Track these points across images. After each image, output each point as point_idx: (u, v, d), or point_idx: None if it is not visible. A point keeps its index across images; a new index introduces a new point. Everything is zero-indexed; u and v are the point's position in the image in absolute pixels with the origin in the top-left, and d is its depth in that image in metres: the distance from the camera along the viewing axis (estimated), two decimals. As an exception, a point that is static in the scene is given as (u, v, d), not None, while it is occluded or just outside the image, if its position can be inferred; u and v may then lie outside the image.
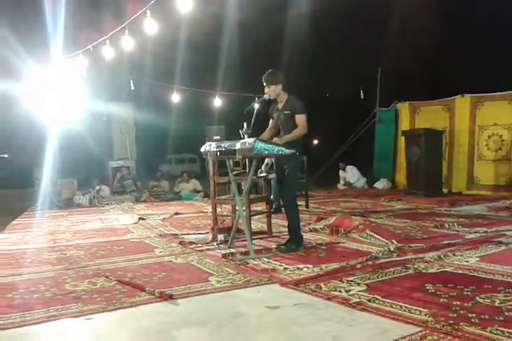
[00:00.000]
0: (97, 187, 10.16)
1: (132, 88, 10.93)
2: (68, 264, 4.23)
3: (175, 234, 5.67)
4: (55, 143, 9.75)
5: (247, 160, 5.51)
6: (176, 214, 7.70)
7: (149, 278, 3.66)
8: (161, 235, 5.67)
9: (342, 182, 12.13)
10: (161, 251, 4.71)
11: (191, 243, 5.00)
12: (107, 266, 4.13)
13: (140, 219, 7.17)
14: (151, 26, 7.05)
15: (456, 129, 10.58)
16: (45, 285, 3.52)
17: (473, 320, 2.53)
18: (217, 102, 12.64)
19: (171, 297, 3.11)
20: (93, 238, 5.67)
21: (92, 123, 11.38)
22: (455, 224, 5.71)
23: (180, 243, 5.03)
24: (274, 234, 5.43)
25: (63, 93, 9.72)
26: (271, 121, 4.87)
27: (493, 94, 10.02)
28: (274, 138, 4.56)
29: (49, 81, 9.42)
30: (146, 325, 2.70)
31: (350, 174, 12.01)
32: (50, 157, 9.57)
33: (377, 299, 2.94)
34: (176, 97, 12.01)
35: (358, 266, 3.76)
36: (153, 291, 3.20)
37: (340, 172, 12.22)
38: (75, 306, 3.01)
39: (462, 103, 10.50)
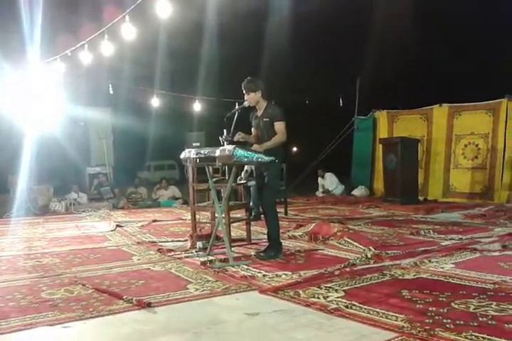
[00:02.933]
0: (74, 195, 10.02)
1: (111, 92, 10.84)
2: (44, 272, 4.16)
3: (153, 242, 5.62)
4: (31, 148, 9.59)
5: (226, 167, 5.51)
6: (154, 221, 7.64)
7: (127, 286, 3.63)
8: (139, 242, 5.61)
9: (321, 189, 12.21)
10: (139, 259, 4.67)
11: (170, 250, 4.96)
12: (83, 273, 4.07)
13: (117, 226, 7.08)
14: (129, 31, 7.02)
15: (434, 138, 10.79)
16: (21, 293, 3.46)
17: (448, 325, 2.58)
18: (197, 107, 12.61)
19: (149, 305, 3.08)
20: (69, 245, 5.58)
21: (69, 128, 11.24)
22: (431, 231, 5.81)
23: (159, 250, 4.99)
24: (253, 241, 5.43)
25: (40, 98, 9.59)
26: (253, 129, 4.87)
27: (471, 104, 10.25)
28: (254, 145, 4.57)
29: (26, 86, 9.28)
30: (124, 333, 2.68)
31: (329, 181, 12.10)
32: (26, 163, 9.41)
33: (355, 305, 2.97)
34: (155, 102, 11.93)
35: (336, 272, 3.80)
36: (131, 299, 3.17)
37: (319, 179, 12.31)
38: (51, 314, 2.96)
39: (440, 112, 10.72)
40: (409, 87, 16.00)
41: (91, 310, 3.03)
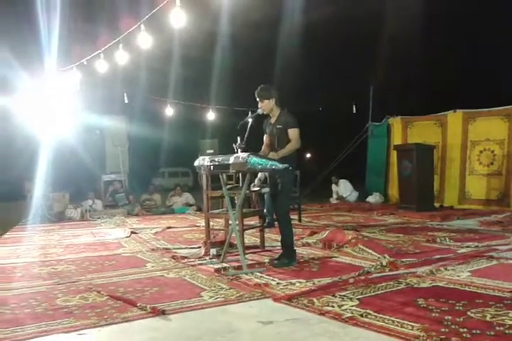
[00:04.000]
0: (90, 202, 10.12)
1: (126, 101, 10.96)
2: (59, 279, 4.19)
3: (167, 249, 5.64)
4: (48, 156, 9.73)
5: (240, 174, 5.53)
6: (169, 228, 7.68)
7: (141, 293, 3.64)
8: (153, 249, 5.64)
9: (335, 196, 12.17)
10: (153, 266, 4.68)
11: (184, 257, 4.98)
12: (98, 280, 4.10)
13: (132, 233, 7.13)
14: (145, 40, 7.11)
15: (448, 144, 10.70)
16: (37, 300, 3.49)
17: (464, 334, 2.54)
18: (211, 116, 12.70)
19: (163, 312, 3.09)
20: (84, 252, 5.63)
21: (85, 136, 11.39)
22: (447, 239, 5.74)
23: (173, 257, 5.00)
24: (266, 249, 5.42)
25: (57, 106, 9.73)
26: (265, 136, 4.89)
27: (485, 109, 10.16)
28: (271, 153, 4.58)
29: (43, 94, 9.44)
30: (138, 341, 2.69)
31: (343, 188, 12.06)
32: (42, 170, 9.54)
33: (370, 314, 2.95)
34: (169, 111, 12.04)
35: (351, 280, 3.77)
36: (145, 306, 3.18)
37: (333, 186, 12.27)
38: (66, 321, 2.98)
39: (454, 118, 10.64)
40: (424, 93, 15.91)
41: (106, 317, 3.04)
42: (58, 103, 9.72)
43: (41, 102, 9.56)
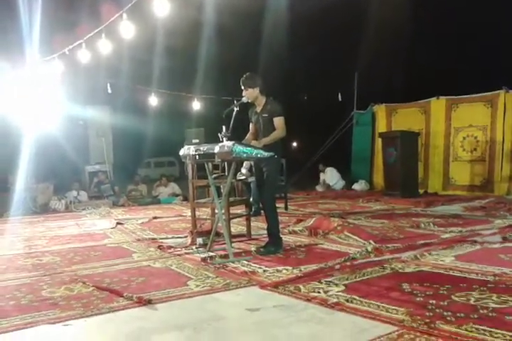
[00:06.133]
0: (75, 193, 10.03)
1: (109, 91, 10.83)
2: (45, 270, 4.16)
3: (153, 239, 5.63)
4: (31, 147, 9.59)
5: (226, 163, 5.51)
6: (155, 218, 7.65)
7: (127, 283, 3.63)
8: (139, 240, 5.62)
9: (321, 184, 12.22)
10: (139, 256, 4.67)
11: (170, 247, 4.97)
12: (84, 271, 4.08)
13: (118, 223, 7.09)
14: (127, 30, 7.01)
15: (432, 131, 10.77)
16: (22, 292, 3.46)
17: (449, 318, 2.58)
18: (196, 105, 12.61)
19: (149, 302, 3.09)
20: (70, 243, 5.59)
21: (68, 127, 11.24)
22: (431, 224, 5.81)
23: (159, 247, 4.99)
24: (253, 237, 5.43)
25: (39, 97, 9.58)
26: (251, 125, 4.88)
27: (468, 96, 10.23)
28: (253, 141, 4.58)
29: (24, 84, 9.27)
30: (125, 331, 2.68)
31: (330, 176, 12.11)
32: (25, 162, 9.41)
33: (355, 299, 2.97)
34: (154, 100, 11.93)
35: (337, 266, 3.80)
36: (132, 296, 3.17)
37: (321, 174, 12.31)
38: (52, 312, 2.96)
39: (437, 105, 10.70)
40: (407, 80, 15.95)
41: (91, 307, 3.03)
42: (40, 93, 9.56)
43: (23, 93, 9.39)
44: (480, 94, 10.01)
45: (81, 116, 11.91)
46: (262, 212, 5.55)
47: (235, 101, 4.74)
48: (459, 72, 14.36)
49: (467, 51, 14.49)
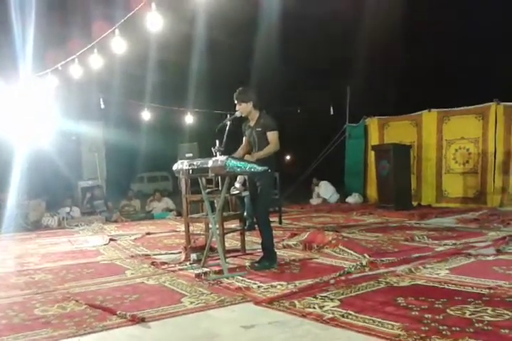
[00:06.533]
0: (68, 209, 9.96)
1: (102, 106, 10.84)
2: (37, 288, 4.11)
3: (147, 255, 5.58)
4: (23, 163, 9.54)
5: (219, 177, 5.51)
6: (148, 234, 7.59)
7: (120, 300, 3.59)
8: (132, 256, 5.56)
9: (315, 197, 12.22)
10: (132, 273, 4.62)
11: (163, 263, 4.92)
12: (76, 289, 4.03)
13: (111, 240, 7.03)
14: (119, 45, 7.04)
15: (424, 143, 10.84)
16: (14, 311, 3.41)
17: (444, 332, 2.57)
18: (189, 119, 12.63)
19: (143, 320, 3.05)
20: (62, 261, 5.53)
21: (61, 142, 11.21)
22: (425, 237, 5.81)
23: (152, 264, 4.95)
24: (248, 252, 5.40)
25: (32, 112, 9.57)
26: (244, 138, 4.90)
27: (460, 108, 10.32)
28: (246, 156, 4.57)
29: (17, 100, 9.27)
30: (117, 350, 2.65)
31: (324, 189, 12.13)
32: (17, 178, 9.35)
33: (351, 314, 2.96)
34: (146, 115, 11.94)
35: (332, 281, 3.78)
36: (125, 314, 3.13)
37: (315, 187, 12.33)
38: (44, 332, 2.92)
39: (429, 118, 10.79)
40: (399, 93, 16.11)
41: (84, 326, 2.99)
42: (34, 109, 9.55)
43: (16, 108, 9.38)
44: (471, 107, 10.11)
45: (74, 131, 11.90)
46: (256, 226, 5.54)
47: (228, 116, 4.75)
48: (450, 85, 14.54)
49: (458, 64, 14.68)
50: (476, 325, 2.67)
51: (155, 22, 6.37)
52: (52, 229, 9.07)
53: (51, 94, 9.13)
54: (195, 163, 4.49)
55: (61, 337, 2.82)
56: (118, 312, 3.19)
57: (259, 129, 4.64)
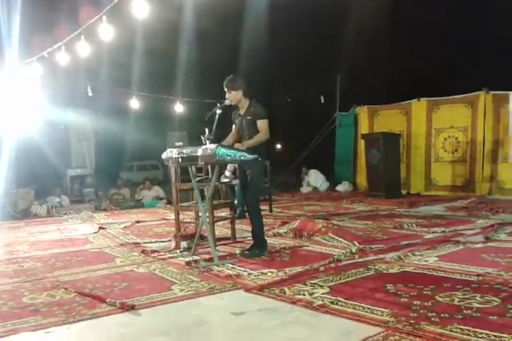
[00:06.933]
0: (57, 198, 9.89)
1: (90, 94, 10.72)
2: (26, 277, 4.08)
3: (136, 243, 5.56)
4: (10, 152, 9.44)
5: (209, 166, 5.49)
6: (138, 222, 7.57)
7: (110, 288, 3.58)
8: (122, 244, 5.55)
9: (305, 185, 12.25)
10: (122, 261, 4.61)
11: (153, 251, 4.91)
12: (65, 277, 4.01)
13: (100, 228, 7.00)
14: (107, 32, 6.95)
15: (413, 132, 10.89)
16: (2, 299, 3.39)
17: (433, 319, 2.59)
18: (179, 108, 12.56)
19: (132, 307, 3.04)
20: (51, 249, 5.49)
21: (48, 131, 11.10)
22: (414, 225, 5.85)
23: (142, 252, 4.93)
24: (238, 240, 5.41)
25: (19, 100, 9.44)
26: (233, 126, 4.87)
27: (449, 97, 10.35)
28: (236, 144, 4.55)
29: (4, 88, 9.13)
30: (107, 337, 2.64)
31: (314, 178, 12.16)
32: (5, 166, 9.25)
33: (340, 301, 2.97)
34: (135, 103, 11.85)
35: (321, 268, 3.79)
36: (115, 302, 3.12)
37: (304, 177, 12.35)
38: (33, 319, 2.90)
39: (419, 106, 10.82)
40: (389, 82, 16.11)
41: (74, 314, 2.97)
42: (20, 97, 9.43)
43: (2, 96, 9.25)
44: (461, 96, 10.14)
45: (62, 119, 11.76)
46: (247, 214, 5.54)
47: (218, 104, 4.70)
48: (440, 74, 14.56)
49: (448, 53, 14.70)
50: (465, 311, 2.69)
51: (141, 8, 6.29)
52: (41, 218, 9.01)
53: (38, 81, 9.00)
54: (184, 152, 4.46)
55: (50, 325, 2.80)
56: (108, 300, 3.18)
57: (249, 117, 4.61)
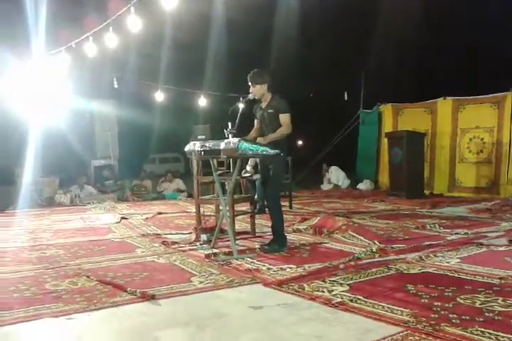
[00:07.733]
0: (82, 187, 10.05)
1: (116, 86, 10.81)
2: (48, 263, 4.17)
3: (157, 234, 5.62)
4: (37, 141, 9.61)
5: (231, 159, 5.50)
6: (159, 213, 7.65)
7: (131, 278, 3.63)
8: (143, 235, 5.62)
9: (326, 183, 12.18)
10: (143, 251, 4.66)
11: (174, 243, 4.96)
12: (87, 265, 4.08)
13: (122, 218, 7.10)
14: (135, 23, 6.99)
15: (438, 131, 10.71)
16: (25, 285, 3.46)
17: (454, 320, 2.56)
18: (203, 102, 12.59)
19: (152, 297, 3.08)
20: (74, 237, 5.60)
21: (74, 120, 11.25)
22: (436, 226, 5.77)
23: (163, 243, 4.99)
24: (257, 234, 5.42)
25: (45, 90, 9.58)
26: (256, 121, 4.86)
27: (475, 97, 10.14)
28: (258, 138, 4.54)
29: (31, 78, 9.28)
30: (128, 326, 2.67)
31: (335, 175, 12.07)
32: (32, 155, 9.43)
33: (360, 299, 2.96)
34: (160, 96, 11.91)
35: (341, 266, 3.77)
36: (135, 291, 3.17)
37: (325, 173, 12.28)
38: (55, 306, 2.96)
39: (444, 105, 10.63)
40: (414, 80, 15.89)
41: (95, 301, 3.03)
42: (47, 87, 9.56)
43: (30, 86, 9.40)
44: (487, 96, 9.93)
45: (87, 109, 11.91)
46: (267, 209, 5.54)
47: (242, 98, 4.70)
48: (467, 73, 14.30)
49: (475, 52, 14.42)
50: (486, 314, 2.65)
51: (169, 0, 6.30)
52: (64, 206, 9.17)
53: (65, 72, 9.12)
54: (207, 145, 4.48)
55: (72, 312, 2.85)
56: (128, 289, 3.23)
57: (271, 111, 4.59)
